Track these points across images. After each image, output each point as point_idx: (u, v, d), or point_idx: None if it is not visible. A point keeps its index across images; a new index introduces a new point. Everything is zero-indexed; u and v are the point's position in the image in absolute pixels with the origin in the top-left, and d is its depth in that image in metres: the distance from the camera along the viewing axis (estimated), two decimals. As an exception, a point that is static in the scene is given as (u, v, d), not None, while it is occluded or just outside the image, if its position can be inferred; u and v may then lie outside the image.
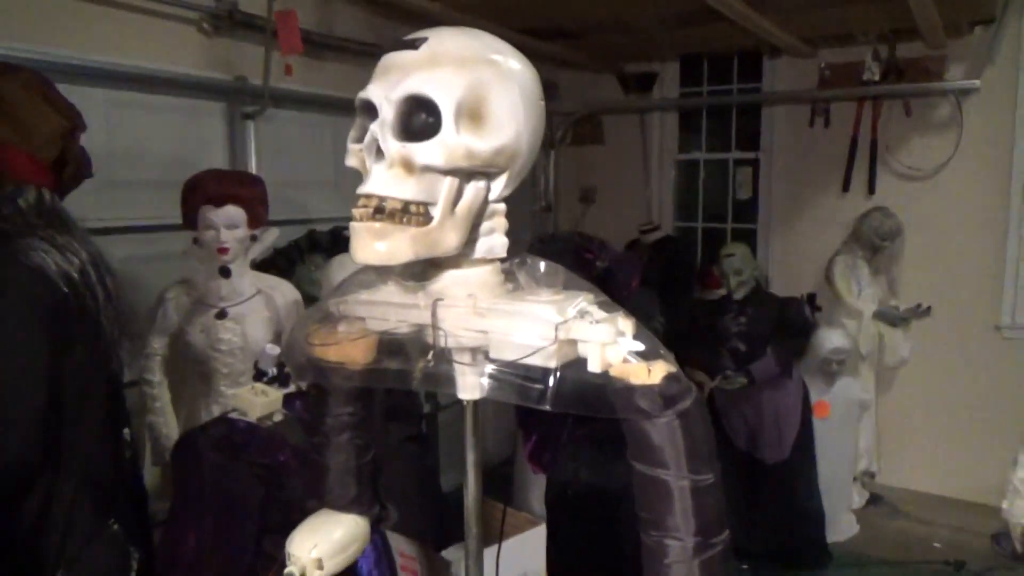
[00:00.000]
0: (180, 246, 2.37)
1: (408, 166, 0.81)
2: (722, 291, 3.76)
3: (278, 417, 1.83)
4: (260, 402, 1.76)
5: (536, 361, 0.84)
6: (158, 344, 2.37)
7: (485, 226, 0.90)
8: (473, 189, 0.85)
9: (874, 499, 4.13)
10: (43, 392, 1.27)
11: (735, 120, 4.83)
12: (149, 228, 2.72)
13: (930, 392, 4.19)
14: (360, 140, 0.85)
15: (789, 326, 3.47)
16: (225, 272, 2.29)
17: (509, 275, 0.95)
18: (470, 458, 1.01)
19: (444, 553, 2.31)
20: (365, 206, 0.82)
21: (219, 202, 2.22)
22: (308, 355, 1.01)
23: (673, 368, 0.84)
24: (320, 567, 1.10)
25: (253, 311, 2.36)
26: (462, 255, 0.89)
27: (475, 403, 0.99)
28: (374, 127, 0.82)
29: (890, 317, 4.01)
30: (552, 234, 3.34)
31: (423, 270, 0.92)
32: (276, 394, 1.82)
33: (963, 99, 3.93)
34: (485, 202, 0.88)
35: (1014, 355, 3.96)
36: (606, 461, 2.40)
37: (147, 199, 2.72)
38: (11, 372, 1.24)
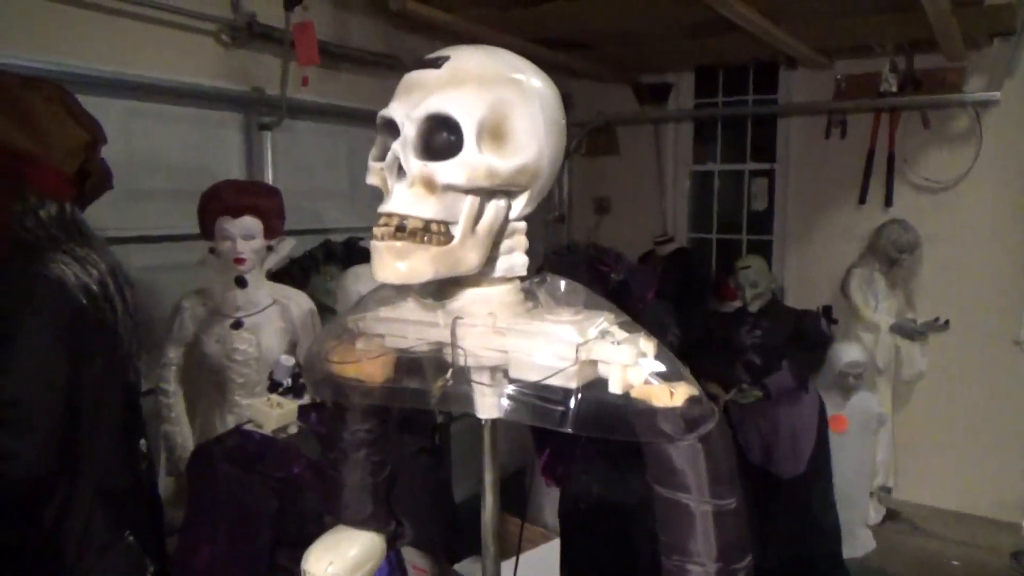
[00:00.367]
0: (196, 256, 2.38)
1: (429, 185, 0.80)
2: (737, 303, 3.74)
3: (293, 429, 1.82)
4: (275, 414, 1.76)
5: (556, 382, 0.83)
6: (174, 354, 2.38)
7: (505, 244, 0.90)
8: (494, 208, 0.85)
9: (891, 515, 4.09)
10: (62, 402, 1.28)
11: (750, 131, 4.82)
12: (166, 238, 2.74)
13: (948, 407, 4.14)
14: (381, 158, 0.85)
15: (805, 339, 3.44)
16: (241, 282, 2.30)
17: (529, 294, 0.94)
18: (488, 478, 1.01)
19: (458, 567, 2.31)
20: (386, 225, 0.81)
21: (236, 213, 2.23)
22: (326, 371, 1.01)
23: (695, 391, 0.83)
24: (336, 584, 1.09)
25: (268, 321, 2.37)
26: (482, 273, 0.89)
27: (493, 422, 0.98)
28: (396, 146, 0.81)
29: (907, 331, 3.97)
30: (567, 246, 3.33)
31: (442, 288, 0.92)
32: (291, 406, 1.82)
33: (982, 111, 3.89)
34: (506, 221, 0.87)
35: (1034, 370, 3.91)
36: (620, 475, 2.39)
37: (164, 209, 2.74)
38: (31, 382, 1.25)
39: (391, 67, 3.58)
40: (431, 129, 0.81)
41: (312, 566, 1.09)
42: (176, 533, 1.78)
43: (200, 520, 1.63)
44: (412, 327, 0.94)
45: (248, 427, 1.78)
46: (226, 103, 3.00)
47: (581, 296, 0.91)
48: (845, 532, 3.50)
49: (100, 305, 1.37)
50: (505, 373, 0.90)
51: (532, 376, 0.85)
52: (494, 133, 0.81)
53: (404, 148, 0.81)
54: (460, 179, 0.80)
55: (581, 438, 2.48)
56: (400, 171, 0.82)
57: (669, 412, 0.81)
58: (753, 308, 3.53)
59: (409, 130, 0.81)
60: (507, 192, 0.86)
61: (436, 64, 0.82)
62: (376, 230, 0.82)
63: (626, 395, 0.82)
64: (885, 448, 4.03)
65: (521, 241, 0.91)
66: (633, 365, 0.82)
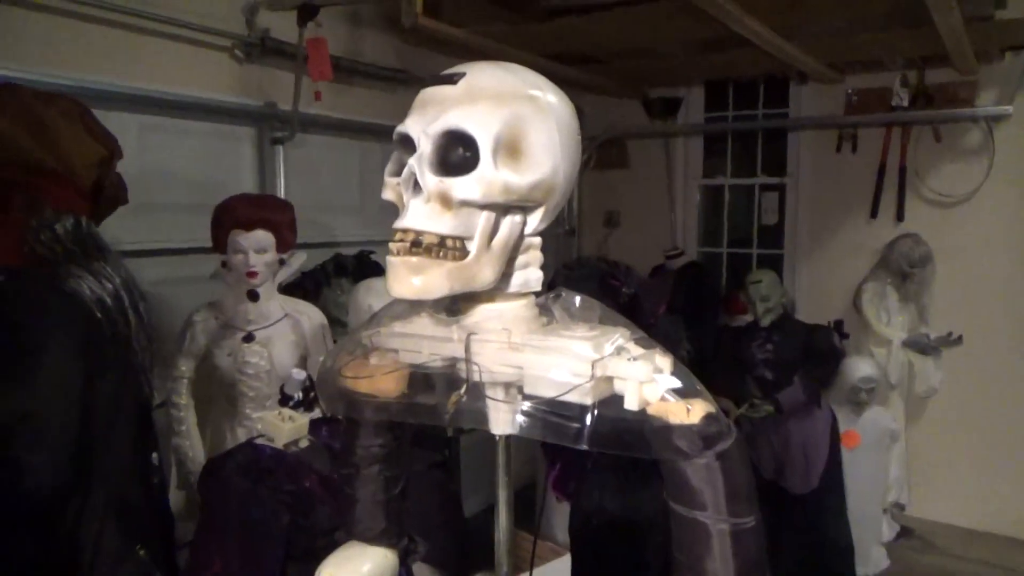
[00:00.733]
0: (209, 269, 2.39)
1: (445, 201, 0.80)
2: (748, 318, 3.72)
3: (304, 443, 1.82)
4: (287, 428, 1.76)
5: (572, 398, 0.82)
6: (185, 367, 2.38)
7: (520, 260, 0.90)
8: (509, 223, 0.85)
9: (905, 532, 4.04)
10: (77, 416, 1.28)
11: (761, 145, 4.81)
12: (179, 251, 2.75)
13: (962, 422, 4.10)
14: (397, 174, 0.85)
15: (817, 354, 3.42)
16: (253, 296, 2.31)
17: (544, 309, 0.94)
18: (502, 495, 1.00)
19: (467, 582, 2.29)
20: (402, 240, 0.82)
21: (249, 226, 2.24)
22: (340, 386, 1.01)
23: (712, 408, 0.82)
24: (348, 600, 1.09)
25: (280, 335, 2.38)
26: (496, 289, 0.88)
27: (507, 438, 0.98)
28: (412, 161, 0.82)
29: (920, 345, 3.93)
30: (578, 260, 3.33)
31: (457, 303, 0.92)
32: (302, 420, 1.82)
33: (994, 125, 3.88)
34: (521, 236, 0.87)
35: (1049, 386, 3.87)
36: (631, 490, 2.37)
37: (177, 222, 2.76)
38: (46, 396, 1.25)
39: (403, 82, 3.60)
40: (447, 145, 0.81)
41: (324, 582, 1.09)
42: (187, 546, 1.78)
43: (212, 534, 1.63)
44: (426, 342, 0.94)
45: (259, 441, 1.78)
46: (239, 118, 3.02)
47: (596, 312, 0.91)
48: (858, 549, 3.46)
49: (115, 319, 1.38)
50: (519, 389, 0.90)
51: (547, 392, 0.85)
52: (510, 149, 0.81)
53: (420, 164, 0.81)
54: (476, 195, 0.80)
55: (592, 453, 2.47)
56: (416, 186, 0.82)
57: (686, 429, 0.80)
58: (764, 322, 3.52)
59: (425, 146, 0.81)
60: (522, 208, 0.86)
61: (452, 80, 0.83)
62: (392, 245, 0.82)
63: (642, 412, 0.82)
64: (898, 464, 3.99)
65: (536, 256, 0.91)
66: (649, 381, 0.82)
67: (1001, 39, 3.56)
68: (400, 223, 0.82)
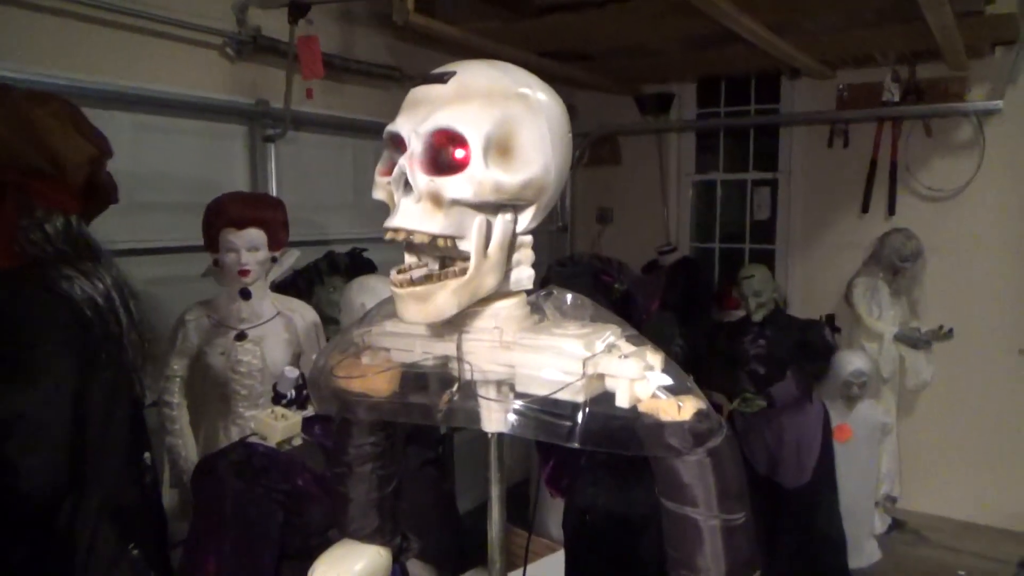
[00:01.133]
0: (200, 268, 2.38)
1: (436, 200, 0.80)
2: (741, 313, 3.73)
3: (297, 441, 1.82)
4: (280, 426, 1.76)
5: (563, 396, 0.83)
6: (178, 366, 2.37)
7: (512, 258, 0.90)
8: (501, 223, 0.85)
9: (897, 524, 4.07)
10: (69, 417, 1.28)
11: (753, 141, 4.82)
12: (170, 250, 2.74)
13: (953, 416, 4.13)
14: (388, 173, 0.85)
15: (810, 349, 3.44)
16: (245, 294, 2.31)
17: (535, 307, 0.94)
18: (494, 492, 1.00)
19: (462, 579, 2.30)
20: (401, 272, 0.83)
21: (241, 225, 2.24)
22: (332, 386, 1.01)
23: (703, 404, 0.83)
24: (342, 598, 1.09)
25: (273, 333, 2.37)
26: (488, 287, 0.89)
27: (499, 436, 0.98)
28: (402, 161, 0.81)
29: (912, 339, 3.95)
30: (571, 257, 3.33)
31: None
32: (296, 418, 1.81)
33: (985, 120, 3.90)
34: (513, 235, 0.88)
35: (1039, 379, 3.89)
36: (625, 487, 2.37)
37: (168, 221, 2.75)
38: (39, 397, 1.25)
39: (395, 80, 3.60)
40: (438, 144, 0.81)
41: (318, 580, 1.09)
42: (180, 545, 1.78)
43: (206, 533, 1.63)
44: (418, 341, 0.94)
45: (252, 439, 1.77)
46: (231, 116, 3.01)
47: (588, 310, 0.91)
48: (850, 542, 3.48)
49: (106, 319, 1.38)
50: (511, 387, 0.90)
51: (539, 390, 0.85)
52: (501, 148, 0.81)
53: (411, 163, 0.81)
54: (467, 194, 0.80)
55: (586, 449, 2.47)
56: (407, 186, 0.82)
57: (677, 426, 0.81)
58: (757, 318, 3.53)
59: (416, 145, 0.81)
60: (514, 206, 0.86)
61: (442, 79, 0.83)
62: (394, 277, 0.84)
63: (634, 409, 0.82)
64: (890, 457, 4.01)
65: (527, 255, 0.91)
66: (640, 379, 0.82)
67: (991, 34, 3.58)
68: (391, 222, 0.82)
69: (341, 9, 3.38)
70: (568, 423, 0.82)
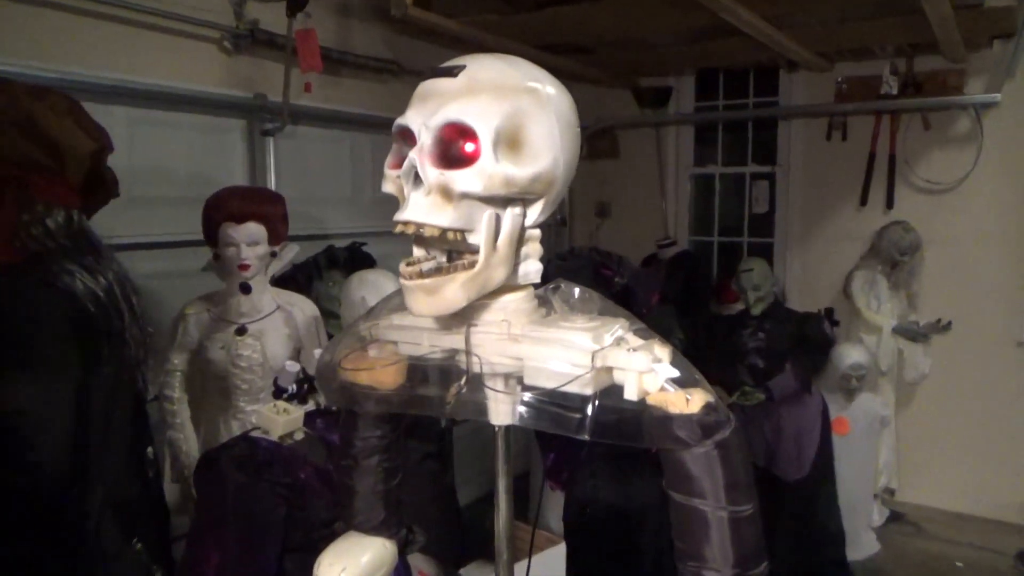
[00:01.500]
0: (200, 262, 2.38)
1: (447, 193, 0.80)
2: (739, 306, 3.74)
3: (299, 435, 1.82)
4: (282, 420, 1.75)
5: (572, 389, 0.83)
6: (178, 360, 2.37)
7: (520, 252, 0.90)
8: (510, 216, 0.85)
9: (894, 516, 4.09)
10: (72, 412, 1.28)
11: (751, 134, 4.82)
12: (169, 244, 2.74)
13: (951, 408, 4.15)
14: (397, 166, 0.85)
15: (808, 342, 3.44)
16: (245, 288, 2.30)
17: (543, 300, 0.94)
18: (502, 484, 1.01)
19: (463, 571, 2.30)
20: (410, 264, 0.83)
21: (241, 219, 2.23)
22: (341, 379, 1.01)
23: (711, 397, 0.83)
24: (348, 591, 1.09)
25: (273, 327, 2.37)
26: (496, 280, 0.88)
27: (507, 429, 0.98)
28: (412, 154, 0.81)
29: (910, 332, 3.97)
30: (571, 250, 3.33)
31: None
32: (298, 412, 1.81)
33: (983, 113, 3.90)
34: (522, 228, 0.88)
35: (1036, 371, 3.91)
36: (625, 480, 2.38)
37: (167, 215, 2.74)
38: (42, 392, 1.25)
39: (394, 73, 3.58)
40: (448, 138, 0.81)
41: (325, 572, 1.09)
42: (181, 540, 1.78)
43: (209, 527, 1.63)
44: (426, 334, 0.94)
45: (255, 434, 1.77)
46: (229, 110, 3.00)
47: (596, 303, 0.91)
48: (849, 534, 3.50)
49: (108, 314, 1.37)
50: (519, 380, 0.90)
51: (547, 383, 0.85)
52: (511, 141, 0.81)
53: (421, 156, 0.81)
54: (477, 187, 0.80)
55: (586, 443, 2.48)
56: (417, 179, 0.82)
57: (686, 419, 0.81)
58: (756, 311, 3.53)
59: (426, 138, 0.81)
60: (523, 200, 0.86)
61: (452, 73, 0.82)
62: (403, 269, 0.84)
63: (642, 402, 0.82)
64: (888, 450, 4.03)
65: (536, 248, 0.91)
66: (649, 372, 0.82)
67: (989, 27, 3.58)
68: (401, 215, 0.82)
69: (338, 2, 3.37)
70: (578, 415, 0.82)
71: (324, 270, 3.02)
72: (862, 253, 4.13)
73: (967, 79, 3.94)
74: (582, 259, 2.79)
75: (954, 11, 2.98)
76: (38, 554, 1.26)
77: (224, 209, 2.23)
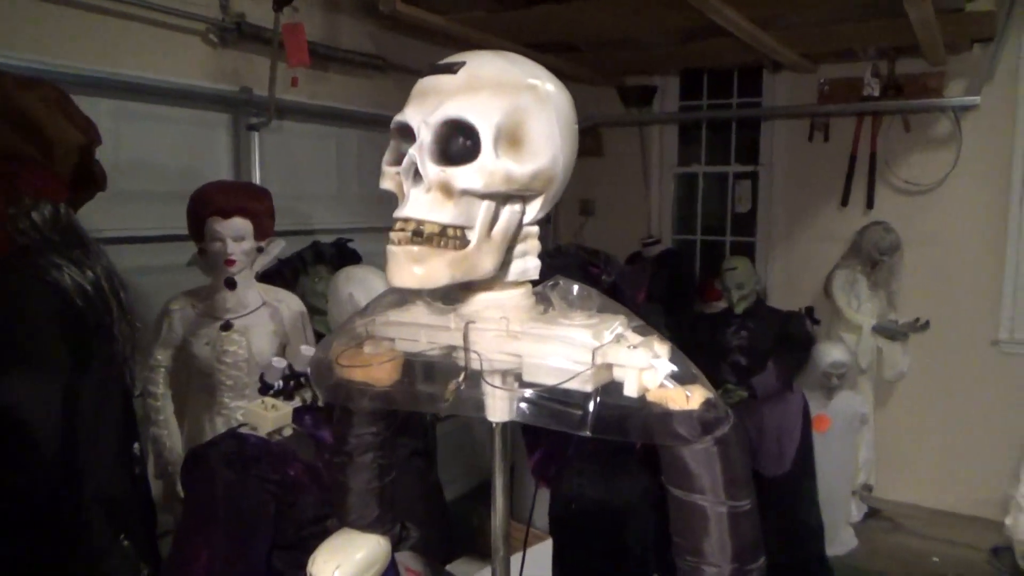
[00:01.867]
0: (185, 257, 2.36)
1: (446, 190, 0.81)
2: (723, 304, 3.77)
3: (287, 432, 1.81)
4: (271, 416, 1.74)
5: (572, 386, 0.83)
6: (162, 356, 2.35)
7: (518, 248, 0.90)
8: (509, 212, 0.85)
9: (872, 513, 4.15)
10: (60, 408, 1.26)
11: (735, 134, 4.86)
12: (154, 239, 2.70)
13: (928, 406, 4.21)
14: (396, 163, 0.85)
15: (791, 340, 3.48)
16: (231, 284, 2.28)
17: (541, 297, 0.94)
18: (498, 481, 1.01)
19: (450, 567, 2.30)
20: (402, 229, 0.82)
21: (227, 214, 2.21)
22: (337, 376, 1.01)
23: (711, 393, 0.84)
24: (342, 588, 1.09)
25: (259, 323, 2.36)
26: (494, 277, 0.89)
27: (504, 426, 0.99)
28: (412, 151, 0.81)
29: (889, 331, 4.03)
30: (558, 247, 3.34)
31: (453, 292, 0.92)
32: (286, 408, 1.80)
33: (962, 115, 3.96)
34: (520, 225, 0.88)
35: (1012, 370, 3.98)
36: (612, 477, 2.39)
37: (152, 210, 2.71)
38: (29, 388, 1.23)
39: (380, 69, 3.57)
40: (448, 134, 0.81)
41: (319, 569, 1.09)
42: (168, 536, 1.77)
43: (197, 524, 1.61)
44: (424, 331, 0.94)
45: (243, 430, 1.76)
46: (214, 103, 2.97)
47: (595, 300, 0.92)
48: (828, 530, 3.54)
49: (97, 309, 1.36)
50: (517, 377, 0.91)
51: (546, 380, 0.86)
52: (511, 138, 0.81)
53: (420, 153, 0.81)
54: (478, 184, 0.80)
55: (573, 439, 2.49)
56: (416, 176, 0.82)
57: (685, 415, 0.82)
58: (739, 309, 3.56)
59: (425, 135, 0.81)
60: (522, 197, 0.86)
61: (452, 69, 0.82)
62: (393, 235, 0.83)
63: (642, 398, 0.83)
64: (867, 447, 4.09)
65: (534, 245, 0.92)
66: (648, 368, 0.83)
67: (971, 31, 3.63)
68: (401, 212, 0.82)
69: (325, -3, 3.35)
70: (579, 412, 0.83)
71: (310, 266, 3.01)
72: (843, 253, 4.18)
73: (947, 82, 4.00)
74: (569, 256, 2.80)
75: (936, 15, 3.02)
76: (25, 550, 1.25)
77: (210, 204, 2.22)
